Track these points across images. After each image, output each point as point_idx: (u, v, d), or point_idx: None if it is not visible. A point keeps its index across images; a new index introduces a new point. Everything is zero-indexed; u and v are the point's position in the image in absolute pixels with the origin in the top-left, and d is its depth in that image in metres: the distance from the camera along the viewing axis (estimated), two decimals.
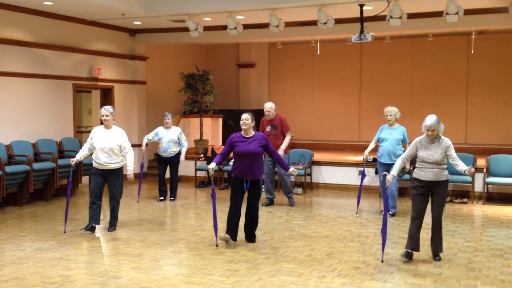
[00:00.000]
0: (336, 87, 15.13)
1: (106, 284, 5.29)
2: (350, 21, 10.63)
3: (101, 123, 7.55)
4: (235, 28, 10.44)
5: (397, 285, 5.26)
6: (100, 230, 7.60)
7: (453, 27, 10.63)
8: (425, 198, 6.09)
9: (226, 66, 15.86)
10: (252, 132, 6.76)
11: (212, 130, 14.01)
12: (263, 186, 9.87)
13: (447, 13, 9.14)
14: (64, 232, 7.40)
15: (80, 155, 7.53)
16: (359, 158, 10.92)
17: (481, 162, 10.14)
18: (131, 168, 7.46)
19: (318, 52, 13.91)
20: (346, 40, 13.53)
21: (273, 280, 5.37)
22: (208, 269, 5.74)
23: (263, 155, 6.97)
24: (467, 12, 9.50)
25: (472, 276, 5.50)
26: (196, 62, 13.76)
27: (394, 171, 6.15)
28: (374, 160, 10.27)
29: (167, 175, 10.11)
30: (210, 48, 16.19)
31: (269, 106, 9.21)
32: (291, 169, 6.88)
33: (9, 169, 8.99)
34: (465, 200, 9.77)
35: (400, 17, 9.35)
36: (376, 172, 10.24)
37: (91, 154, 7.56)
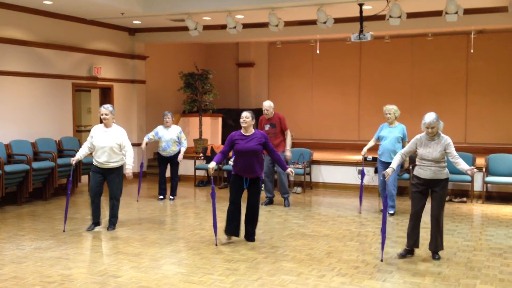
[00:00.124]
0: (336, 86, 15.13)
1: (105, 283, 5.29)
2: (350, 20, 10.63)
3: (101, 122, 7.55)
4: (235, 27, 10.44)
5: (396, 284, 5.26)
6: (99, 229, 7.60)
7: (452, 26, 10.63)
8: (424, 196, 6.10)
9: (225, 65, 15.86)
10: (252, 130, 6.77)
11: (211, 129, 14.02)
12: (263, 185, 9.89)
13: (446, 13, 9.15)
14: (64, 231, 7.40)
15: (80, 154, 7.53)
16: (358, 157, 10.92)
17: (480, 161, 10.14)
18: (130, 167, 7.46)
19: (318, 52, 13.92)
20: (346, 40, 13.53)
21: (272, 279, 5.37)
22: (207, 268, 5.74)
23: (263, 154, 6.98)
24: (467, 11, 9.50)
25: (471, 275, 5.50)
26: (195, 61, 13.76)
27: (394, 164, 6.19)
28: (374, 159, 10.29)
29: (167, 174, 10.11)
30: (209, 47, 16.19)
31: (267, 104, 9.21)
32: (289, 169, 6.89)
33: (8, 168, 8.99)
34: (465, 199, 9.77)
35: (400, 17, 9.35)
36: (376, 171, 10.25)
37: (91, 153, 7.58)
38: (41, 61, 10.63)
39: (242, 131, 6.78)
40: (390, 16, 9.40)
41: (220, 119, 14.42)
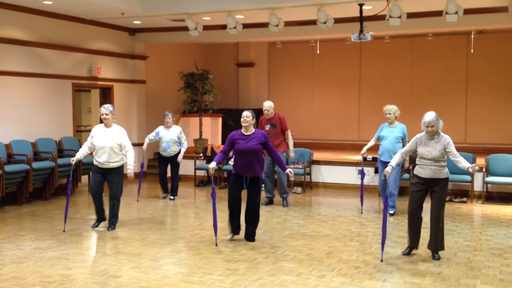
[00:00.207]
0: (336, 86, 15.13)
1: (105, 283, 5.30)
2: (350, 20, 10.63)
3: (101, 122, 7.55)
4: (235, 27, 10.44)
5: (396, 285, 5.26)
6: (99, 229, 7.61)
7: (452, 26, 10.63)
8: (422, 195, 6.12)
9: (225, 66, 15.86)
10: (252, 130, 6.78)
11: (211, 129, 14.01)
12: (263, 185, 9.89)
13: (446, 13, 9.15)
14: (64, 231, 7.40)
15: (80, 153, 7.53)
16: (358, 157, 10.91)
17: (480, 161, 10.14)
18: (131, 167, 7.50)
19: (318, 52, 13.91)
20: (346, 40, 13.53)
21: (272, 279, 5.37)
22: (207, 268, 5.75)
23: (263, 154, 6.98)
24: (467, 11, 9.50)
25: (471, 275, 5.50)
26: (195, 61, 13.76)
27: (393, 162, 6.22)
28: (374, 159, 10.29)
29: (168, 173, 10.11)
30: (209, 48, 16.19)
31: (268, 105, 9.21)
32: (288, 169, 6.90)
33: (8, 168, 8.99)
34: (465, 199, 9.77)
35: (400, 17, 9.35)
36: (376, 171, 10.25)
37: (92, 153, 7.59)
38: (41, 61, 10.63)
39: (243, 130, 6.79)
40: (390, 16, 9.40)
41: (220, 119, 14.42)
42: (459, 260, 6.05)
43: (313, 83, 15.41)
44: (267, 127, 9.20)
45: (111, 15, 11.06)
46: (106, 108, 7.42)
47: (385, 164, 8.34)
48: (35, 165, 9.50)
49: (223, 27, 11.28)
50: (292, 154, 9.32)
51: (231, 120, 14.60)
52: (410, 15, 9.85)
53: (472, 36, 12.81)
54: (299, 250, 6.45)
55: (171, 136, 9.75)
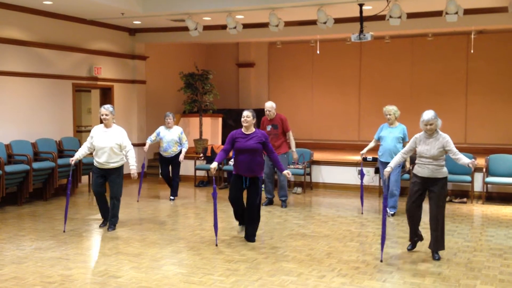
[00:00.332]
0: (336, 86, 15.13)
1: (105, 283, 5.30)
2: (350, 20, 10.64)
3: (101, 122, 7.55)
4: (235, 27, 10.44)
5: (396, 285, 5.26)
6: (99, 229, 7.61)
7: (452, 26, 10.63)
8: (420, 194, 6.14)
9: (225, 66, 15.86)
10: (252, 129, 6.81)
11: (211, 130, 14.02)
12: (263, 186, 9.88)
13: (446, 13, 9.15)
14: (64, 231, 7.40)
15: (80, 153, 7.54)
16: (358, 157, 10.91)
17: (480, 161, 10.12)
18: (134, 167, 7.53)
19: (318, 52, 13.92)
20: (346, 40, 13.53)
21: (272, 279, 5.38)
22: (207, 268, 5.75)
23: (263, 155, 6.99)
24: (467, 11, 9.50)
25: (471, 275, 5.50)
26: (195, 62, 13.76)
27: (393, 163, 6.28)
28: (374, 159, 10.29)
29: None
30: (209, 48, 16.19)
31: (269, 105, 9.20)
32: (286, 171, 6.89)
33: (8, 168, 8.99)
34: (465, 199, 9.77)
35: (400, 17, 9.35)
36: (376, 172, 10.25)
37: (91, 153, 7.60)
38: (41, 61, 10.63)
39: (243, 130, 6.82)
40: (390, 16, 9.40)
41: (220, 119, 14.42)
42: (459, 260, 6.05)
43: (313, 83, 15.41)
44: (269, 128, 9.19)
45: (111, 15, 11.06)
46: (106, 108, 7.42)
47: (386, 164, 8.34)
48: (35, 165, 9.50)
49: (223, 27, 11.28)
50: (295, 156, 9.33)
51: (231, 120, 14.60)
52: (410, 15, 9.85)
53: (472, 36, 12.81)
54: (299, 251, 6.45)
55: (172, 136, 9.76)
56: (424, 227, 6.34)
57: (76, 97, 11.88)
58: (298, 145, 11.48)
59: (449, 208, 9.23)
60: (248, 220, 6.87)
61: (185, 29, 11.23)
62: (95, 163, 7.47)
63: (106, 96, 12.42)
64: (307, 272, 5.62)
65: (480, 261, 6.03)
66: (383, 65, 14.57)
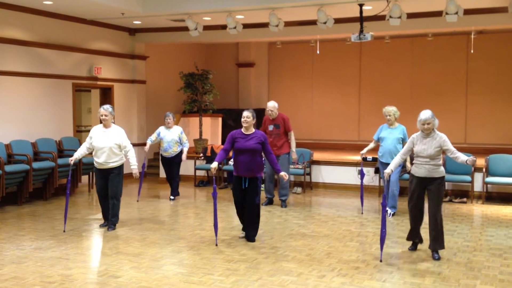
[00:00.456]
0: (336, 86, 15.13)
1: (105, 283, 5.30)
2: (350, 20, 10.64)
3: (101, 122, 7.56)
4: (235, 27, 10.44)
5: (396, 285, 5.27)
6: (99, 229, 7.61)
7: (452, 26, 10.63)
8: (419, 193, 6.18)
9: (225, 66, 15.86)
10: (252, 130, 6.84)
11: (211, 129, 14.01)
12: (263, 186, 9.89)
13: (446, 13, 9.15)
14: (64, 231, 7.40)
15: (78, 153, 7.56)
16: (358, 157, 10.91)
17: (480, 161, 10.13)
18: (135, 167, 7.58)
19: (318, 52, 13.92)
20: (346, 40, 13.53)
21: (272, 279, 5.38)
22: (207, 268, 5.75)
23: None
24: (467, 12, 9.50)
25: (471, 275, 5.51)
26: (195, 62, 13.76)
27: (392, 165, 6.32)
28: (374, 159, 10.29)
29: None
30: (209, 48, 16.19)
31: (272, 105, 9.19)
32: (283, 173, 6.90)
33: (8, 168, 8.99)
34: (465, 199, 9.77)
35: (400, 17, 9.35)
36: (376, 172, 10.25)
37: (90, 153, 7.62)
38: (41, 61, 10.63)
39: (243, 130, 6.85)
40: (390, 17, 9.40)
41: (220, 119, 14.42)
42: (459, 260, 6.05)
43: (313, 83, 15.41)
44: (271, 128, 9.18)
45: (111, 15, 11.06)
46: (106, 109, 7.43)
47: (386, 165, 8.33)
48: (35, 165, 9.50)
49: (223, 27, 11.28)
50: (294, 156, 9.31)
51: (231, 120, 14.60)
52: (410, 15, 9.85)
53: (472, 36, 12.81)
54: (299, 251, 6.45)
55: (172, 136, 9.77)
56: (424, 227, 6.34)
57: (76, 97, 11.89)
58: (298, 145, 11.50)
59: (449, 208, 9.24)
60: (248, 220, 6.88)
61: (185, 29, 11.23)
62: (95, 164, 7.50)
63: (106, 96, 12.42)
64: (307, 272, 5.62)
65: (480, 261, 6.04)
66: (383, 65, 14.57)
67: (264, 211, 8.77)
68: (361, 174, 8.82)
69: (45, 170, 9.73)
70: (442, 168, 6.10)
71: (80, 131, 13.70)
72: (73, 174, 10.23)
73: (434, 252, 6.09)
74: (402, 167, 8.76)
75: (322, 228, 7.73)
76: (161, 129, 9.90)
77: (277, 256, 6.20)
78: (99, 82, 12.09)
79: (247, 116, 6.80)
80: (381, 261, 5.96)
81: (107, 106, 7.49)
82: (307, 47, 14.92)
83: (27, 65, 10.32)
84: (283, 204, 9.31)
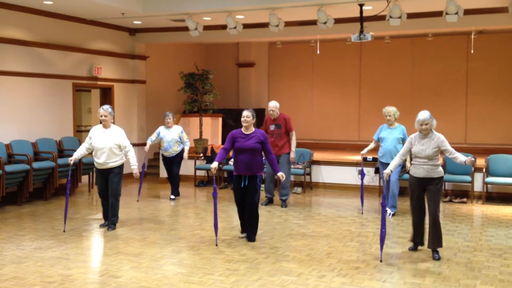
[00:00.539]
0: (336, 86, 15.13)
1: (105, 283, 5.30)
2: (350, 20, 10.64)
3: (101, 123, 7.57)
4: (235, 27, 10.44)
5: (396, 285, 5.27)
6: (99, 229, 7.61)
7: (452, 27, 10.63)
8: (419, 193, 6.20)
9: (226, 66, 15.86)
10: (252, 129, 6.85)
11: (211, 129, 14.01)
12: (263, 185, 9.88)
13: (446, 13, 9.15)
14: (64, 231, 7.40)
15: (78, 153, 7.57)
16: (358, 157, 10.91)
17: (480, 161, 10.14)
18: (135, 167, 7.60)
19: (318, 52, 13.92)
20: (346, 40, 13.53)
21: (272, 279, 5.38)
22: (207, 268, 5.75)
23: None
24: (467, 12, 9.50)
25: (471, 275, 5.51)
26: (196, 62, 13.76)
27: (392, 166, 6.34)
28: (374, 159, 10.29)
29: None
30: (210, 48, 16.19)
31: (273, 105, 9.19)
32: (280, 173, 6.90)
33: (8, 168, 8.99)
34: (465, 199, 9.77)
35: (400, 17, 9.35)
36: (376, 172, 10.25)
37: (90, 153, 7.64)
38: (42, 61, 10.64)
39: (243, 129, 6.86)
40: (391, 17, 9.40)
41: (220, 119, 14.42)
42: (459, 260, 6.05)
43: (313, 83, 15.41)
44: (272, 127, 9.18)
45: (112, 15, 11.06)
46: (105, 109, 7.44)
47: (386, 165, 8.33)
48: (35, 165, 9.50)
49: (223, 27, 11.28)
50: (292, 155, 9.29)
51: (231, 120, 14.60)
52: (410, 16, 9.85)
53: (472, 36, 12.81)
54: (299, 251, 6.45)
55: (172, 136, 9.78)
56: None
57: (76, 97, 11.89)
58: (298, 145, 11.51)
59: (449, 208, 9.24)
60: (248, 219, 6.89)
61: (185, 29, 11.23)
62: (95, 164, 7.51)
63: (106, 96, 12.42)
64: (307, 272, 5.62)
65: (480, 261, 6.04)
66: (383, 65, 14.57)
67: (264, 211, 8.78)
68: (362, 174, 8.82)
69: (45, 170, 9.74)
70: (440, 169, 6.12)
71: (80, 131, 13.70)
72: (73, 174, 10.23)
73: (434, 252, 6.10)
74: (402, 167, 8.76)
75: (322, 228, 7.73)
76: (161, 129, 9.91)
77: (277, 256, 6.20)
78: (99, 82, 12.09)
79: (246, 115, 6.81)
80: (381, 261, 5.96)
81: (106, 107, 7.50)
82: (307, 47, 14.92)
83: (28, 65, 10.32)
84: (283, 204, 9.30)
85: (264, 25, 11.10)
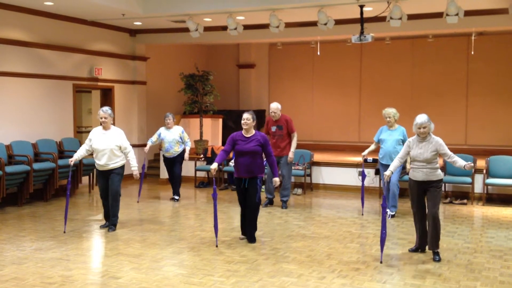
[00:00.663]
0: (336, 87, 15.14)
1: (106, 284, 5.30)
2: (350, 22, 10.63)
3: (101, 124, 7.57)
4: (235, 28, 10.44)
5: (396, 286, 5.26)
6: (100, 230, 7.62)
7: (453, 28, 10.63)
8: (419, 196, 6.21)
9: (226, 67, 15.87)
10: (252, 132, 6.85)
11: (212, 131, 14.02)
12: (263, 186, 9.88)
13: (447, 14, 9.14)
14: (64, 232, 7.40)
15: (78, 155, 7.58)
16: (359, 158, 10.92)
17: (481, 163, 10.14)
18: (135, 168, 7.62)
19: (318, 53, 13.91)
20: (346, 41, 13.53)
21: (273, 280, 5.38)
22: (208, 269, 5.75)
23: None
24: (467, 13, 9.50)
25: (471, 277, 5.50)
26: (196, 63, 13.76)
27: (392, 167, 6.33)
28: (374, 160, 10.29)
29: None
30: (210, 49, 16.20)
31: (275, 106, 9.19)
32: (276, 178, 6.91)
33: (9, 169, 8.99)
34: (465, 201, 9.77)
35: (400, 18, 9.35)
36: (376, 173, 10.25)
37: (90, 155, 7.65)
38: (42, 62, 10.64)
39: (243, 132, 6.86)
40: (391, 18, 9.40)
41: (220, 120, 14.43)
42: (459, 262, 6.05)
43: (313, 85, 15.41)
44: (274, 129, 9.18)
45: (112, 16, 11.07)
46: (105, 111, 7.45)
47: (386, 167, 8.33)
48: (36, 166, 9.51)
49: (224, 28, 11.28)
50: (291, 156, 9.24)
51: (231, 122, 14.61)
52: (411, 17, 9.85)
53: (473, 37, 12.81)
54: (300, 252, 6.45)
55: (173, 136, 9.78)
56: None
57: (77, 98, 11.89)
58: (298, 146, 11.52)
59: (450, 209, 9.24)
60: (248, 219, 6.90)
61: (186, 30, 11.23)
62: (96, 165, 7.52)
63: (107, 97, 12.42)
64: (307, 273, 5.62)
65: (481, 262, 6.03)
66: (384, 67, 14.58)
67: (264, 212, 8.77)
68: (363, 175, 8.82)
69: (45, 171, 9.74)
70: (439, 172, 6.14)
71: (81, 132, 13.70)
72: (73, 175, 10.23)
73: (434, 253, 6.10)
74: (403, 168, 8.76)
75: (323, 229, 7.72)
76: (162, 130, 9.92)
77: (277, 257, 6.19)
78: (99, 83, 12.09)
79: (247, 118, 6.81)
80: (381, 262, 5.96)
81: (106, 108, 7.51)
82: (307, 48, 14.93)
83: (28, 66, 10.32)
84: (284, 205, 9.30)
85: (265, 26, 11.10)
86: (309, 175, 11.17)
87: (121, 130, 7.63)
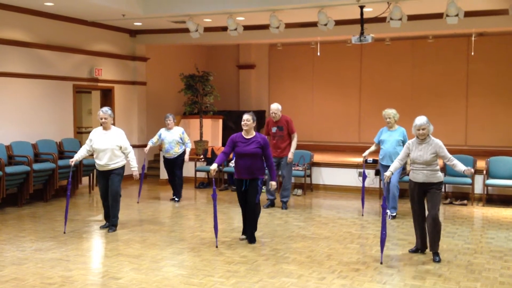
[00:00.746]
0: (336, 88, 15.14)
1: (106, 285, 5.30)
2: (350, 22, 10.64)
3: (101, 125, 7.58)
4: (235, 29, 10.44)
5: (396, 287, 5.26)
6: (100, 230, 7.61)
7: (453, 29, 10.63)
8: (419, 198, 6.21)
9: (226, 67, 15.87)
10: (253, 133, 6.84)
11: (212, 131, 14.02)
12: (264, 187, 9.88)
13: (447, 15, 9.15)
14: (64, 232, 7.40)
15: (79, 155, 7.59)
16: (359, 159, 10.92)
17: (481, 164, 10.14)
18: (135, 168, 7.64)
19: (318, 53, 13.91)
20: (346, 42, 13.54)
21: (273, 281, 5.37)
22: (208, 270, 5.75)
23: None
24: (467, 14, 9.50)
25: (472, 278, 5.50)
26: (196, 63, 13.76)
27: (392, 168, 6.34)
28: (374, 161, 10.30)
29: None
30: (210, 49, 16.20)
31: (275, 107, 9.19)
32: (274, 182, 6.92)
33: (9, 169, 8.99)
34: (465, 202, 9.77)
35: (400, 19, 9.35)
36: (376, 174, 10.25)
37: (91, 155, 7.65)
38: (42, 63, 10.64)
39: (243, 133, 6.85)
40: (391, 18, 9.40)
41: (220, 121, 14.43)
42: (459, 262, 6.05)
43: (313, 85, 15.41)
44: (274, 130, 9.18)
45: (112, 16, 11.07)
46: (105, 112, 7.46)
47: (386, 168, 8.33)
48: (36, 166, 9.50)
49: (224, 29, 11.28)
50: (290, 156, 9.21)
51: (231, 122, 14.60)
52: (411, 17, 9.86)
53: (473, 38, 12.81)
54: (300, 252, 6.45)
55: (173, 137, 9.78)
56: None
57: (77, 98, 11.90)
58: (298, 147, 11.51)
59: (450, 210, 9.24)
60: (247, 221, 6.90)
61: (186, 30, 11.23)
62: (96, 165, 7.53)
63: (107, 98, 12.42)
64: (307, 274, 5.62)
65: (481, 263, 6.03)
66: (384, 67, 14.58)
67: (264, 213, 8.77)
68: (363, 176, 8.82)
69: (45, 172, 9.74)
70: (439, 173, 6.14)
71: (81, 133, 13.70)
72: (73, 175, 10.23)
73: (434, 254, 6.10)
74: (403, 169, 8.76)
75: (323, 230, 7.72)
76: (162, 131, 9.92)
77: (277, 258, 6.19)
78: (99, 84, 12.10)
79: (247, 119, 6.80)
80: (381, 263, 5.95)
81: (105, 109, 7.51)
82: (307, 49, 14.92)
83: (28, 66, 10.32)
84: (284, 205, 9.30)
85: (265, 26, 11.10)
86: (309, 175, 11.17)
87: (122, 130, 7.64)
